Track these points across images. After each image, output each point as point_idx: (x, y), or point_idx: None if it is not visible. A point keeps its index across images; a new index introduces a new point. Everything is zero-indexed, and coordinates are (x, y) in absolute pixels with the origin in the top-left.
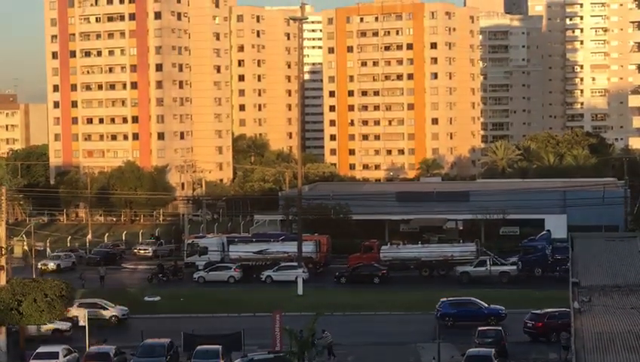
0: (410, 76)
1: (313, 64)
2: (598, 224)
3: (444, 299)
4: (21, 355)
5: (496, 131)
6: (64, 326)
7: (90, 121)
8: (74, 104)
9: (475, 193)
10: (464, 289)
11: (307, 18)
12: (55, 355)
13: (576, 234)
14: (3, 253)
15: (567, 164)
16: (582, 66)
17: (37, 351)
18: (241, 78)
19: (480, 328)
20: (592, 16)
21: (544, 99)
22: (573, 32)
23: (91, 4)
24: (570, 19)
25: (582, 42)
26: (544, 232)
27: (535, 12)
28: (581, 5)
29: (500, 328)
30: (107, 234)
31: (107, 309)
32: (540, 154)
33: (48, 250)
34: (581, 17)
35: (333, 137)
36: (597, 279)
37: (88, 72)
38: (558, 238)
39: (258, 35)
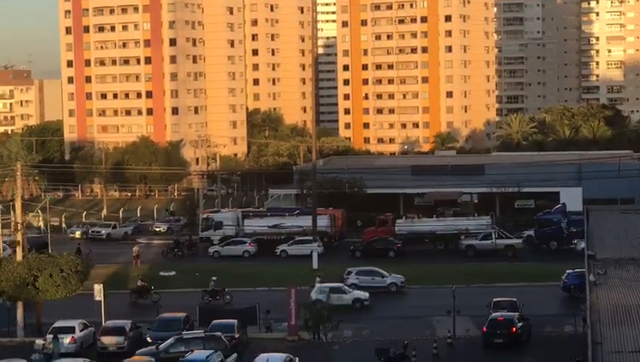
0: (424, 49)
1: (327, 38)
2: (614, 197)
3: (570, 271)
4: (38, 329)
5: (511, 104)
6: None
7: (104, 96)
8: (88, 79)
9: (490, 166)
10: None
11: None
12: (71, 329)
13: (591, 206)
14: (19, 228)
15: (582, 136)
16: (597, 38)
17: (53, 325)
18: (255, 52)
19: (495, 299)
20: None
21: (559, 72)
22: (589, 3)
23: None
24: None
25: (597, 14)
26: (559, 205)
27: None
28: None
29: (515, 299)
30: (122, 209)
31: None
32: (555, 127)
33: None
34: None
35: (347, 111)
36: (612, 252)
37: (102, 47)
38: (574, 211)
39: (272, 9)
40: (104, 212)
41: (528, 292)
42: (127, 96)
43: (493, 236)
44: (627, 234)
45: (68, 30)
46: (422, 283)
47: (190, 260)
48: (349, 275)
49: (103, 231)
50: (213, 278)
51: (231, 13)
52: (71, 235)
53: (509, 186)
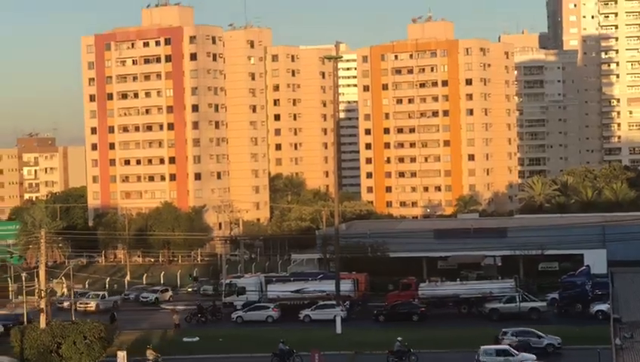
0: (445, 113)
1: (348, 102)
2: (639, 259)
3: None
4: None
5: (533, 166)
6: None
7: (127, 162)
8: (111, 146)
9: (513, 229)
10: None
11: (342, 57)
12: None
13: (616, 269)
14: (43, 295)
15: (605, 198)
16: (618, 100)
17: None
18: (277, 117)
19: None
20: (627, 49)
21: (581, 134)
22: (609, 65)
23: (128, 47)
24: (606, 53)
25: (618, 76)
26: (583, 267)
27: (570, 47)
28: (616, 39)
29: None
30: (145, 275)
31: None
32: (577, 189)
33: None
34: (616, 51)
35: (369, 175)
36: (638, 315)
37: (125, 113)
38: (598, 274)
39: (293, 75)
40: (127, 278)
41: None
42: (150, 162)
43: (517, 299)
44: None
45: (92, 98)
46: (446, 347)
47: (214, 326)
48: (505, 336)
49: (92, 303)
50: (399, 338)
51: (253, 78)
52: (59, 305)
53: (533, 249)
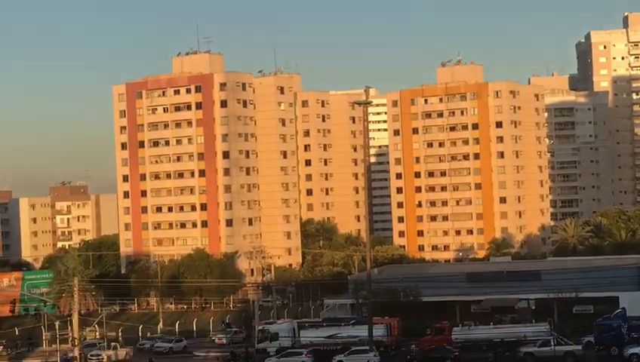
0: (476, 156)
1: (379, 146)
2: None
3: None
4: None
5: (566, 208)
6: None
7: (159, 209)
8: (143, 193)
9: (547, 271)
10: None
11: (372, 102)
12: None
13: None
14: (76, 343)
15: (639, 239)
16: None
17: None
18: (308, 162)
19: None
20: None
21: (613, 175)
22: None
23: (159, 95)
24: (637, 94)
25: None
26: (619, 310)
27: (600, 88)
28: None
29: None
30: (178, 323)
31: None
32: (611, 231)
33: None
34: None
35: (401, 219)
36: None
37: (157, 161)
38: (634, 316)
39: (323, 120)
40: (160, 325)
41: None
42: (181, 208)
43: (552, 343)
44: None
45: (124, 145)
46: None
47: None
48: None
49: (104, 355)
50: None
51: (283, 124)
52: (63, 356)
53: (567, 291)
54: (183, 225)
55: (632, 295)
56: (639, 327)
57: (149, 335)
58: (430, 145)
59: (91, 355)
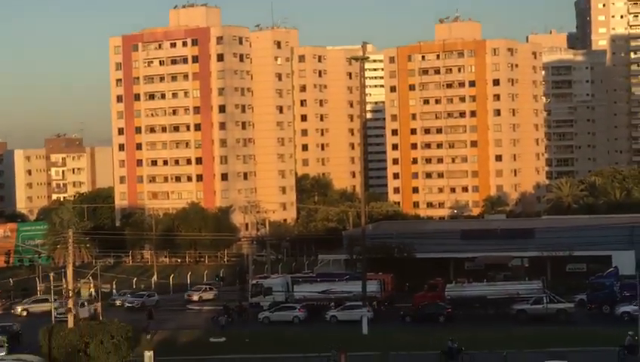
0: (472, 113)
1: (375, 103)
2: None
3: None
4: None
5: (561, 167)
6: None
7: (154, 163)
8: (138, 146)
9: (541, 230)
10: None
11: (369, 57)
12: None
13: None
14: (71, 295)
15: (634, 199)
16: None
17: None
18: (304, 117)
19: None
20: None
21: (609, 134)
22: (638, 65)
23: (155, 48)
24: (635, 53)
25: None
26: (612, 269)
27: (598, 47)
28: None
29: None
30: (172, 276)
31: None
32: (606, 190)
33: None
34: None
35: (396, 175)
36: None
37: (152, 114)
38: (627, 275)
39: (320, 75)
40: (154, 278)
41: (582, 357)
42: (177, 162)
43: (545, 300)
44: None
45: (119, 98)
46: (473, 348)
47: (240, 326)
48: None
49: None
50: (630, 332)
51: (280, 79)
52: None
53: (560, 250)
54: (178, 179)
55: (625, 254)
56: (631, 286)
57: (117, 291)
58: (427, 101)
59: (58, 314)
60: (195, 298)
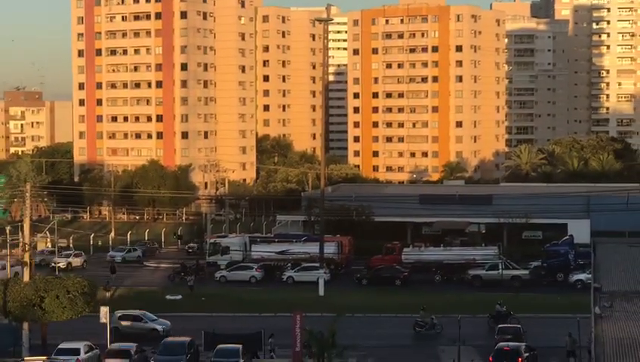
0: (434, 79)
1: (338, 65)
2: (622, 230)
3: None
4: (43, 350)
5: (521, 135)
6: None
7: (114, 119)
8: (99, 102)
9: (498, 197)
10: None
11: (332, 19)
12: (77, 351)
13: (599, 239)
14: (27, 248)
15: (591, 169)
16: (608, 71)
17: (59, 346)
18: (266, 78)
19: (500, 325)
20: (619, 20)
21: (569, 104)
22: (600, 36)
23: (118, 3)
24: (597, 24)
25: (608, 47)
26: (567, 237)
27: (561, 16)
28: (608, 10)
29: (519, 325)
30: (130, 233)
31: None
32: (564, 159)
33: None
34: (608, 22)
35: (356, 139)
36: (619, 285)
37: (114, 70)
38: (581, 243)
39: (283, 36)
40: (112, 235)
41: (534, 324)
42: (137, 119)
43: (500, 266)
44: (634, 268)
45: (80, 53)
46: (427, 312)
47: (197, 284)
48: None
49: None
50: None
51: (242, 39)
52: None
53: (517, 217)
54: (138, 136)
55: (581, 223)
56: (586, 254)
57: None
58: (389, 66)
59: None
60: (118, 259)
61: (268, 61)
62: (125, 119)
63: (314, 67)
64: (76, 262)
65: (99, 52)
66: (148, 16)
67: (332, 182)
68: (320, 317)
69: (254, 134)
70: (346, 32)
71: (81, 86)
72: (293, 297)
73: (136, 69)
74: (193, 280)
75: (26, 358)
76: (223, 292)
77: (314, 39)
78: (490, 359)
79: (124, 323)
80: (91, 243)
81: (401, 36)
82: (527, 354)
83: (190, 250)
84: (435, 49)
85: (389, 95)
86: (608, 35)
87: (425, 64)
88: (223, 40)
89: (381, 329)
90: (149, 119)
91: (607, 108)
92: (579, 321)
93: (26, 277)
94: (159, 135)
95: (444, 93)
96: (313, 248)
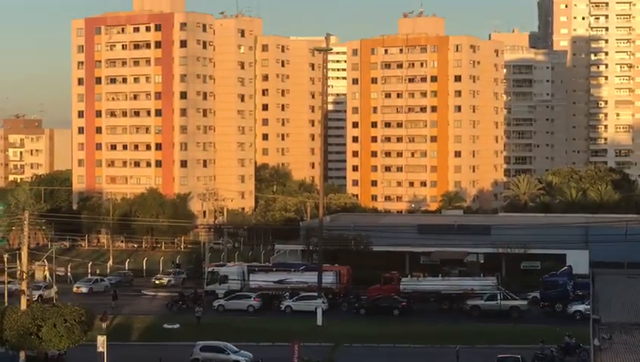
0: (433, 108)
1: (337, 95)
2: (621, 261)
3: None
4: None
5: (519, 165)
6: None
7: (114, 147)
8: (98, 130)
9: (497, 227)
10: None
11: (332, 49)
12: None
13: (597, 270)
14: (24, 277)
15: (589, 199)
16: (606, 102)
17: None
18: (265, 107)
19: (500, 355)
20: (617, 52)
21: (568, 134)
22: (598, 67)
23: (118, 32)
24: (595, 55)
25: (606, 78)
26: (565, 267)
27: (560, 47)
28: (606, 41)
29: (519, 356)
30: (128, 261)
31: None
32: (562, 189)
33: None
34: (606, 53)
35: (355, 168)
36: (618, 316)
37: (113, 98)
38: (580, 274)
39: (283, 65)
40: (110, 263)
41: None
42: (136, 147)
43: (499, 297)
44: (633, 300)
45: (80, 81)
46: (426, 342)
47: (194, 313)
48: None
49: None
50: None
51: (242, 67)
52: None
53: (516, 247)
54: (137, 164)
55: (579, 253)
56: (584, 285)
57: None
58: (388, 95)
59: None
60: (83, 289)
61: (267, 90)
62: (124, 147)
63: (313, 96)
64: (48, 294)
65: (99, 80)
66: (148, 45)
67: (331, 211)
68: (318, 347)
69: (253, 163)
70: (345, 61)
71: (80, 114)
72: (291, 326)
73: (135, 97)
74: (201, 311)
75: None
76: (220, 321)
77: (313, 68)
78: None
79: (205, 354)
80: (89, 271)
81: (400, 66)
82: None
83: (176, 270)
84: (434, 79)
85: (387, 124)
86: (606, 66)
87: (424, 94)
88: (223, 69)
89: (380, 358)
90: (148, 147)
91: (606, 139)
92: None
93: (23, 306)
94: (158, 163)
95: (442, 123)
96: (311, 277)
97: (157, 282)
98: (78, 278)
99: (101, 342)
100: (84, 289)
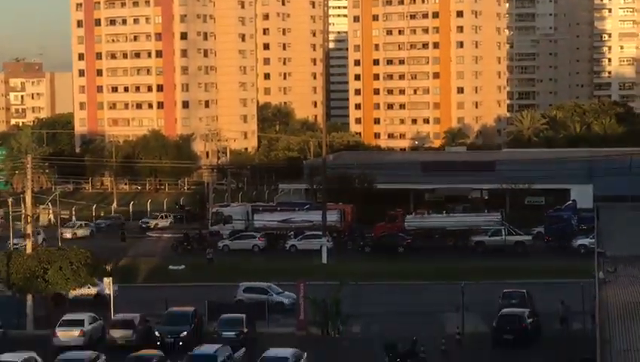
0: (435, 45)
1: (338, 32)
2: (625, 194)
3: None
4: (47, 321)
5: (523, 100)
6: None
7: (115, 89)
8: (99, 72)
9: (501, 163)
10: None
11: None
12: (81, 322)
13: (602, 204)
14: (29, 220)
15: (593, 133)
16: (610, 35)
17: (63, 318)
18: (266, 46)
19: (505, 290)
20: None
21: (571, 68)
22: (602, 0)
23: None
24: None
25: (610, 10)
26: (570, 202)
27: None
28: None
29: (524, 290)
30: (132, 203)
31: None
32: (566, 124)
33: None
34: None
35: (358, 106)
36: (622, 249)
37: (113, 40)
38: (584, 208)
39: (283, 3)
40: (114, 205)
41: (537, 289)
42: (137, 89)
43: (503, 232)
44: (637, 232)
45: (79, 23)
46: (431, 279)
47: (199, 254)
48: None
49: None
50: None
51: (242, 7)
52: None
53: (520, 183)
54: (138, 106)
55: (583, 188)
56: (588, 219)
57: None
58: (390, 32)
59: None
60: (69, 235)
61: (268, 29)
62: (126, 89)
63: (314, 35)
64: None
65: (98, 22)
66: None
67: (334, 149)
68: (323, 286)
69: (255, 103)
70: None
71: (80, 57)
72: (296, 265)
73: (135, 38)
74: (212, 252)
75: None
76: (225, 261)
77: (314, 6)
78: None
79: (248, 295)
80: (94, 213)
81: (401, 2)
82: (530, 320)
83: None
84: (435, 15)
85: (389, 62)
86: None
87: (426, 30)
88: (223, 8)
89: (385, 296)
90: (150, 89)
91: (609, 72)
92: (582, 286)
93: (29, 249)
94: (160, 105)
95: (445, 60)
96: (315, 216)
97: (144, 226)
98: (82, 220)
99: (107, 283)
100: (68, 235)
